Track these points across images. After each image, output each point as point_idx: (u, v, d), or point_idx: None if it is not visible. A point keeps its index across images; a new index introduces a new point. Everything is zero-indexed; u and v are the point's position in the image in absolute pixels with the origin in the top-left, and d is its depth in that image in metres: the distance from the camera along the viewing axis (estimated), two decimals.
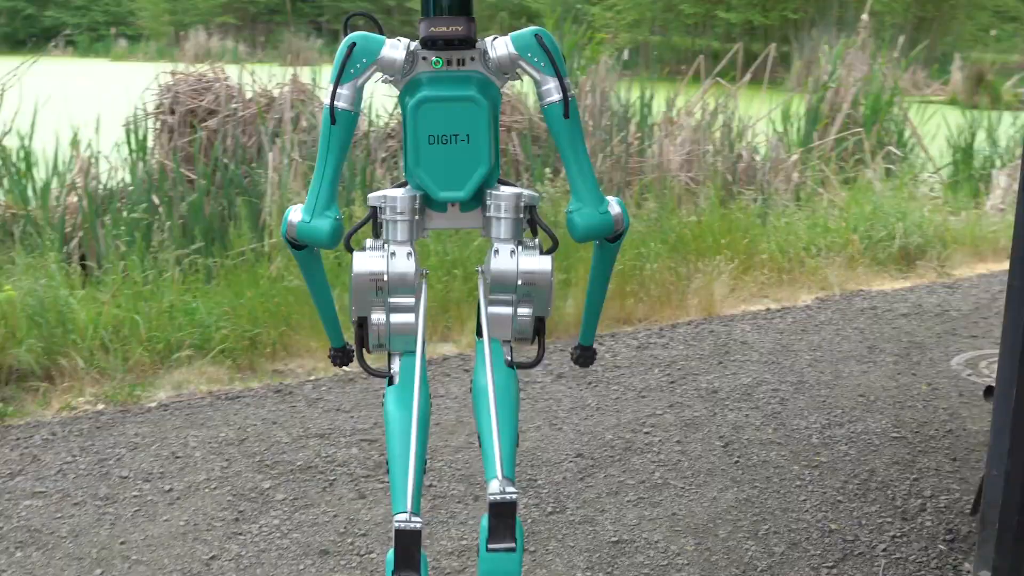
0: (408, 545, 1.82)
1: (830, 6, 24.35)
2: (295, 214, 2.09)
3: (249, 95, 6.63)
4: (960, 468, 3.73)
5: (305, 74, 7.06)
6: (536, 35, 2.05)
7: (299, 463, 3.70)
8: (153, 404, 4.23)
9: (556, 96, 2.06)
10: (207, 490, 3.49)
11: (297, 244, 2.12)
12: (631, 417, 4.20)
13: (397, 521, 1.83)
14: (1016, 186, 9.12)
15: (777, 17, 26.51)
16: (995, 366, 4.76)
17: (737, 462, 3.80)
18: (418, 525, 1.83)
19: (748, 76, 9.00)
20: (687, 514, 3.41)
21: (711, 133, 8.06)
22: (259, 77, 6.84)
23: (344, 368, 2.54)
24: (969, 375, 4.69)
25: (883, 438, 4.00)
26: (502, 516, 1.85)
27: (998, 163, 10.06)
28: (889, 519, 3.39)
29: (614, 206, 2.11)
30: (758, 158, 8.19)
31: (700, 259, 6.09)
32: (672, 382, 4.63)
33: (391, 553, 1.82)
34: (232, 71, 6.97)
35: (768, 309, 5.91)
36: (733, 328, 5.47)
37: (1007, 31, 27.32)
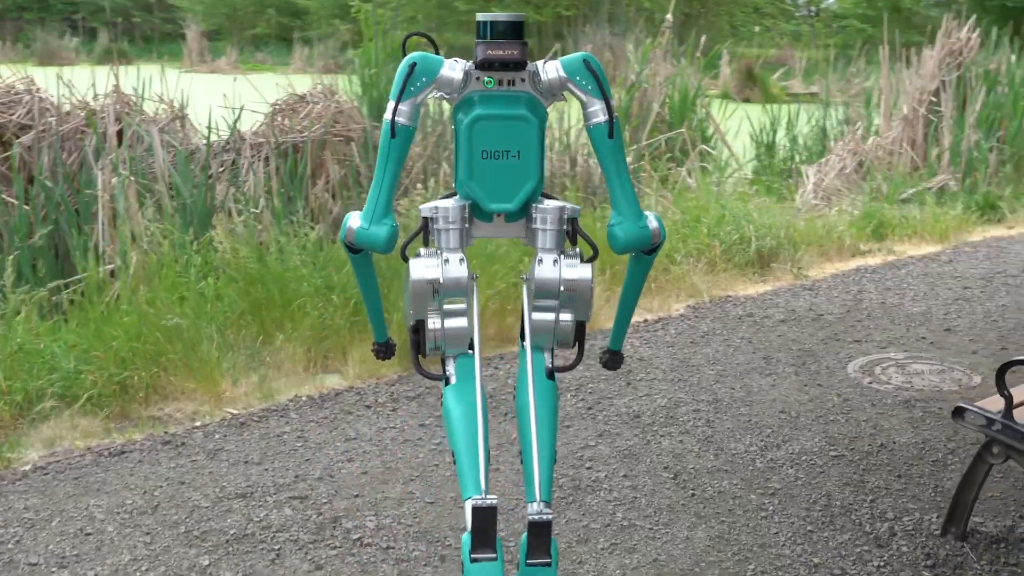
0: (485, 523, 1.99)
1: (602, 3, 25.05)
2: (354, 220, 2.27)
3: (67, 108, 5.84)
4: (908, 486, 3.75)
5: (127, 82, 6.28)
6: (584, 60, 2.25)
7: (232, 531, 3.24)
8: (28, 467, 3.61)
9: (602, 117, 2.24)
10: (139, 573, 2.95)
11: (354, 248, 2.31)
12: (566, 451, 3.98)
13: (474, 499, 1.99)
14: (825, 181, 9.63)
15: (550, 14, 26.97)
16: (891, 371, 4.90)
17: (693, 495, 3.66)
18: (494, 501, 1.99)
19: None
20: (668, 559, 3.23)
21: None
22: (76, 87, 6.04)
23: (384, 360, 2.71)
24: (870, 383, 4.77)
25: (823, 458, 3.97)
26: (540, 535, 2.04)
27: (797, 158, 10.57)
28: (866, 547, 3.34)
29: (652, 221, 2.29)
30: (583, 162, 8.05)
31: None
32: (590, 408, 4.44)
33: (467, 535, 1.99)
34: (40, 79, 6.12)
35: (646, 320, 5.85)
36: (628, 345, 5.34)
37: (766, 26, 29.20)
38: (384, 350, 2.64)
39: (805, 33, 30.49)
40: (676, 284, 6.41)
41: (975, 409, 3.27)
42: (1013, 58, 11.18)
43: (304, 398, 4.50)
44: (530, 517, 2.05)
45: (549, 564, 2.06)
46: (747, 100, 20.24)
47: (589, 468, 3.86)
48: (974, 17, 10.71)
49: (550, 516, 2.05)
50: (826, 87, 11.66)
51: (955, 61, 10.43)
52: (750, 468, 3.88)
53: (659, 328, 5.71)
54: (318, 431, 4.12)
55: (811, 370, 4.99)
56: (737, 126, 10.15)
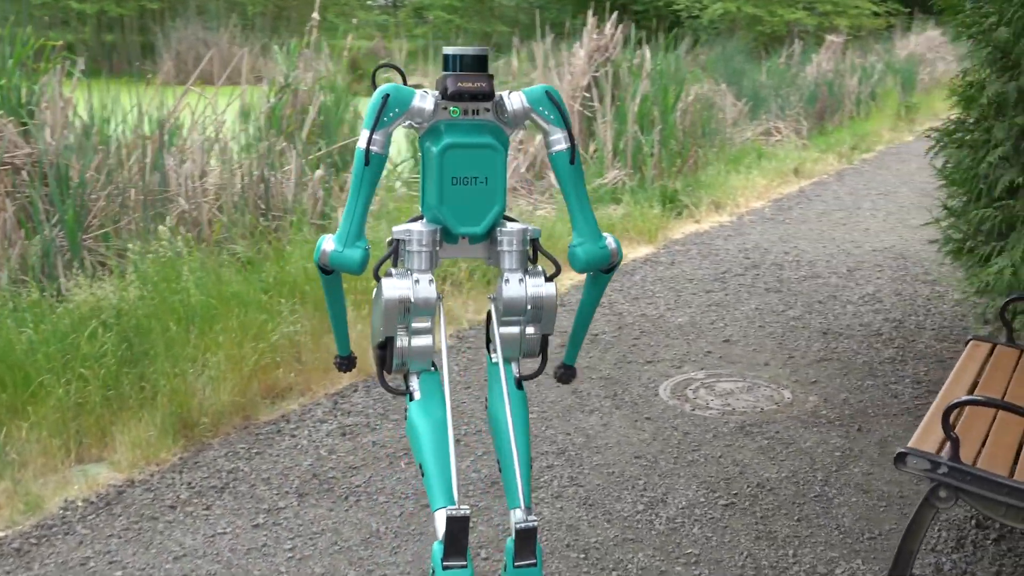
0: (457, 531, 2.15)
1: None
2: (328, 243, 2.46)
3: None
4: (812, 530, 3.59)
5: None
6: (547, 91, 2.50)
7: None
8: None
9: (564, 145, 2.50)
10: None
11: (326, 270, 2.50)
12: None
13: (448, 509, 2.16)
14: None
15: (135, 7, 24.82)
16: (702, 392, 4.75)
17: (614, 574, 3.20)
18: (467, 511, 2.16)
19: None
20: None
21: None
22: None
23: (346, 372, 2.92)
24: (693, 410, 4.60)
25: (715, 509, 3.70)
26: (526, 540, 2.25)
27: None
28: None
29: (611, 241, 2.56)
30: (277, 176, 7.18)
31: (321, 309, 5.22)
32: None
33: (438, 544, 2.16)
34: None
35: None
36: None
37: (366, 18, 28.96)
38: (346, 363, 2.88)
39: (392, 25, 30.75)
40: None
41: (919, 454, 3.10)
42: (649, 54, 11.81)
43: (81, 503, 3.48)
44: (517, 525, 2.26)
45: (535, 565, 2.27)
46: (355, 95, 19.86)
47: (486, 559, 3.26)
48: (615, 14, 11.12)
49: (535, 523, 2.28)
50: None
51: (603, 57, 10.75)
52: (654, 533, 3.51)
53: (453, 370, 5.13)
54: (130, 551, 3.17)
55: (627, 401, 4.71)
56: None
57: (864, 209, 9.21)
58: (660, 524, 3.57)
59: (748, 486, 3.87)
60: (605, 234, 2.55)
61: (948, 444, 3.07)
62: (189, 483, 3.75)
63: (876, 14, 27.77)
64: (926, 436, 3.23)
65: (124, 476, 3.75)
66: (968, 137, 4.86)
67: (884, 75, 18.02)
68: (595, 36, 10.70)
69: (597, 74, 10.53)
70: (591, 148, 10.13)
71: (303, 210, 6.86)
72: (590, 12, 10.90)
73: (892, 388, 4.81)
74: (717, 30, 26.17)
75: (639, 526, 3.55)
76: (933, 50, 23.60)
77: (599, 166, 9.77)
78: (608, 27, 10.80)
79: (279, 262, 5.52)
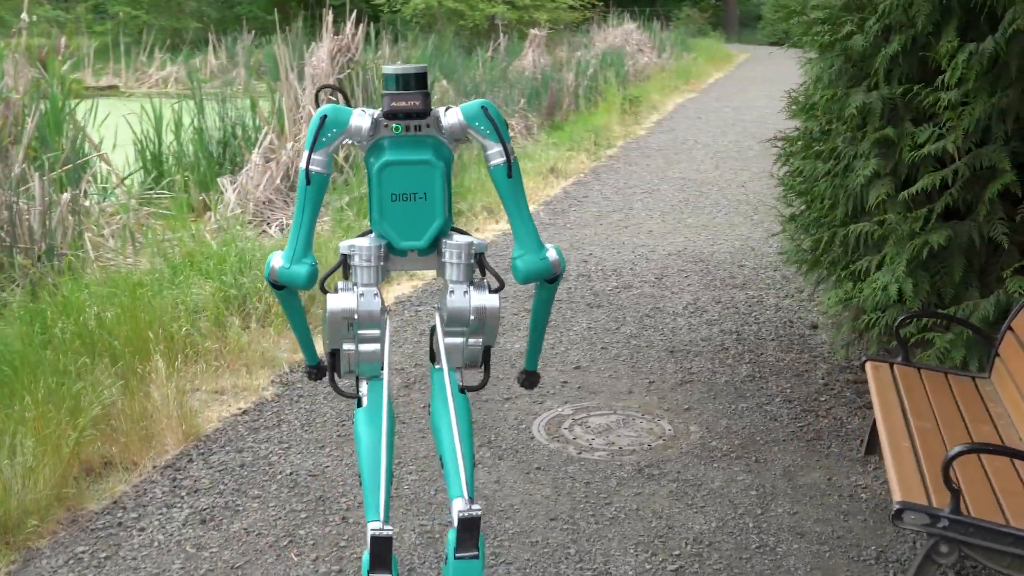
0: (382, 550, 2.25)
1: None
2: (276, 260, 2.63)
3: None
4: None
5: None
6: (483, 107, 2.58)
7: None
8: None
9: (500, 159, 2.58)
10: None
11: (278, 285, 2.66)
12: None
13: (372, 529, 2.26)
14: (258, 193, 8.77)
15: None
16: (578, 431, 4.46)
17: None
18: (390, 532, 2.28)
19: None
20: None
21: None
22: None
23: (317, 380, 3.05)
24: (580, 453, 4.31)
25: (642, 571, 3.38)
26: (469, 529, 2.27)
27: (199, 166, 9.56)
28: None
29: (552, 252, 2.66)
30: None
31: (127, 364, 4.50)
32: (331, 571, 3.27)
33: (366, 555, 2.25)
34: None
35: (242, 411, 4.63)
36: (256, 451, 4.14)
37: (40, 13, 26.24)
38: (316, 372, 3.02)
39: (69, 21, 28.26)
40: (241, 354, 5.18)
41: (916, 508, 2.96)
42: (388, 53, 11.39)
43: None
44: (459, 513, 2.28)
45: (476, 557, 2.29)
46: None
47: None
48: (355, 12, 10.61)
49: (479, 511, 2.31)
50: (189, 82, 10.69)
51: (346, 57, 10.21)
52: None
53: (256, 417, 4.54)
54: None
55: (505, 448, 4.34)
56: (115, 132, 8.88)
57: (637, 209, 9.27)
58: None
59: (686, 543, 3.60)
60: (547, 245, 2.67)
61: (949, 496, 2.95)
62: None
63: (573, 8, 28.71)
64: (907, 485, 3.09)
65: None
66: (821, 148, 4.84)
67: (598, 69, 18.57)
68: (336, 36, 10.11)
69: (342, 76, 9.96)
70: (339, 156, 9.55)
71: (52, 245, 5.92)
72: (325, 9, 10.30)
73: (767, 410, 4.71)
74: (418, 25, 26.12)
75: None
76: (632, 43, 24.68)
77: (358, 176, 9.23)
78: (348, 26, 10.23)
79: (67, 311, 4.65)
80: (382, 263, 2.62)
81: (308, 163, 2.54)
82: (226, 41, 23.95)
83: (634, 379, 5.11)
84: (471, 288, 2.64)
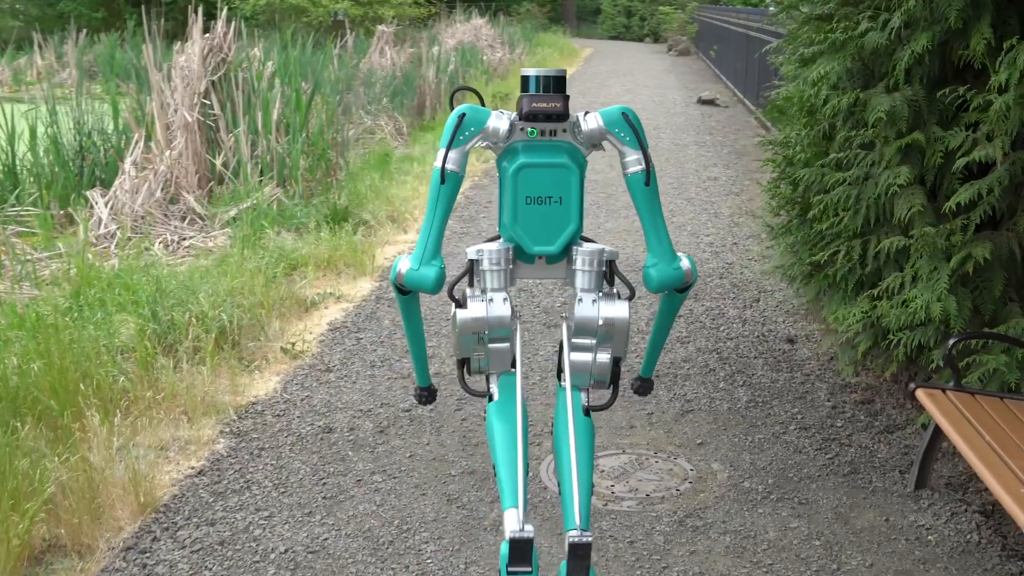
0: (522, 550, 2.17)
1: None
2: (403, 263, 2.58)
3: None
4: None
5: None
6: (623, 113, 2.58)
7: None
8: None
9: (639, 167, 2.57)
10: None
11: (404, 289, 2.62)
12: None
13: (512, 532, 2.18)
14: (136, 208, 7.90)
15: None
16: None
17: None
18: (530, 534, 2.17)
19: None
20: None
21: None
22: None
23: (426, 405, 3.00)
24: (605, 504, 3.84)
25: None
26: (579, 557, 2.18)
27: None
28: None
29: (685, 262, 2.62)
30: None
31: (63, 425, 3.80)
32: None
33: (505, 544, 2.18)
34: None
35: (196, 471, 4.05)
36: (232, 523, 3.54)
37: None
38: (427, 395, 2.97)
39: None
40: (177, 400, 4.50)
41: None
42: (261, 53, 10.60)
43: None
44: (570, 539, 2.18)
45: None
46: None
47: None
48: (226, 10, 9.82)
49: (590, 538, 2.19)
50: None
51: (218, 58, 9.42)
52: None
53: (213, 473, 3.89)
54: None
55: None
56: None
57: None
58: None
59: None
60: (680, 254, 2.64)
61: None
62: None
63: (417, 4, 28.15)
64: None
65: None
66: (836, 155, 4.51)
67: (459, 65, 18.11)
68: (206, 36, 9.29)
69: (215, 78, 9.16)
70: (218, 162, 8.77)
71: None
72: (191, 9, 9.45)
73: (786, 441, 4.36)
74: (258, 21, 25.09)
75: None
76: (482, 39, 24.33)
77: (247, 185, 8.47)
78: (220, 25, 9.42)
79: None
80: (511, 267, 2.60)
81: (444, 161, 2.51)
82: (53, 41, 22.32)
83: (630, 411, 4.68)
84: (600, 297, 2.58)
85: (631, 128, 2.56)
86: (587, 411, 2.60)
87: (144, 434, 4.27)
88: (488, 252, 2.55)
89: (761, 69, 14.35)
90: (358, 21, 25.55)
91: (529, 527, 2.20)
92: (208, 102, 8.99)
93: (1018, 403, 3.75)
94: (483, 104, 2.69)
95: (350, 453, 4.25)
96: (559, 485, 2.45)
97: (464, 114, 2.51)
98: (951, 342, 3.78)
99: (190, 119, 8.66)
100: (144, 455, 4.09)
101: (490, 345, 2.56)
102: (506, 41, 25.01)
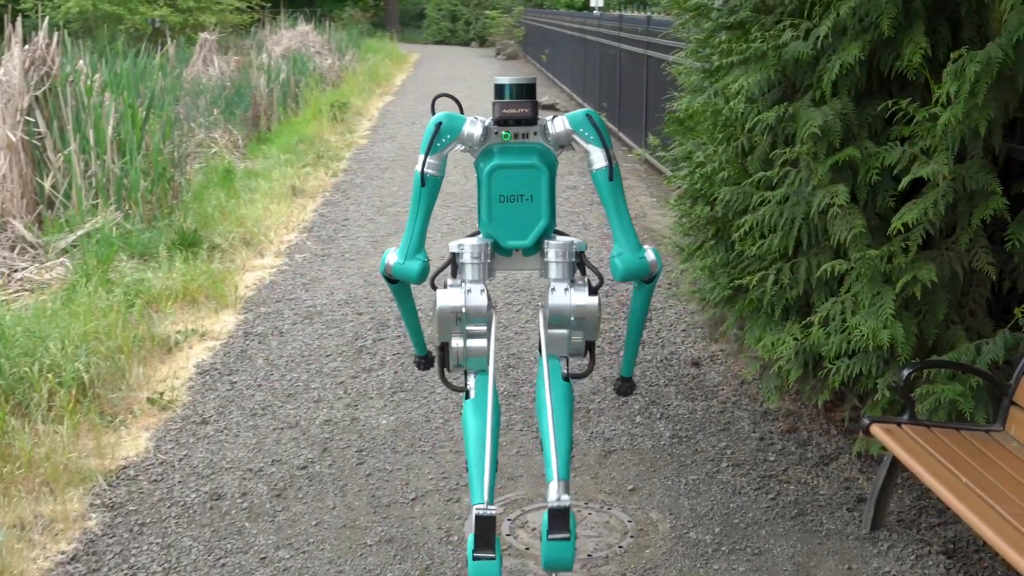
0: (486, 529, 2.46)
1: None
2: (391, 256, 2.99)
3: None
4: None
5: None
6: (587, 115, 2.89)
7: None
8: None
9: (603, 163, 2.86)
10: None
11: (392, 279, 3.03)
12: None
13: (477, 509, 2.48)
14: None
15: None
16: (523, 534, 3.60)
17: None
18: (494, 512, 2.51)
19: None
20: None
21: None
22: None
23: (425, 371, 3.55)
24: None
25: None
26: (559, 517, 2.53)
27: None
28: None
29: (650, 252, 2.94)
30: None
31: None
32: None
33: (471, 537, 2.46)
34: None
35: (69, 556, 3.46)
36: None
37: None
38: (424, 362, 3.45)
39: None
40: (35, 470, 3.85)
41: None
42: (86, 66, 9.70)
43: None
44: (550, 504, 2.53)
45: (568, 538, 2.52)
46: None
47: None
48: (47, 20, 8.94)
49: (568, 503, 2.54)
50: None
51: (42, 71, 8.53)
52: None
53: (121, 567, 3.34)
54: None
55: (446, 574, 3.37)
56: None
57: None
58: None
59: None
60: (645, 246, 2.89)
61: None
62: None
63: (240, 10, 27.05)
64: None
65: None
66: (761, 174, 4.22)
67: (290, 73, 17.35)
68: (26, 48, 8.39)
69: (39, 93, 8.28)
70: (47, 184, 7.91)
71: None
72: (9, 19, 8.54)
73: (722, 481, 4.05)
74: (71, 30, 23.57)
75: None
76: (309, 45, 23.52)
77: (82, 209, 7.65)
78: (41, 35, 8.52)
79: None
80: (488, 261, 2.87)
81: (424, 166, 2.80)
82: None
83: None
84: (572, 287, 2.85)
85: (594, 128, 2.84)
86: (566, 377, 2.87)
87: (0, 513, 3.60)
88: (468, 246, 2.85)
89: (605, 73, 14.22)
90: (178, 29, 24.32)
91: (493, 507, 2.50)
92: (32, 119, 8.10)
93: (975, 434, 3.54)
94: (461, 110, 2.98)
95: (247, 524, 3.69)
96: (541, 443, 2.70)
97: (441, 122, 2.80)
98: (905, 373, 3.54)
99: (13, 138, 7.78)
100: (3, 540, 3.42)
101: (469, 343, 2.81)
102: (334, 47, 24.24)
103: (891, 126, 3.90)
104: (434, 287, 2.88)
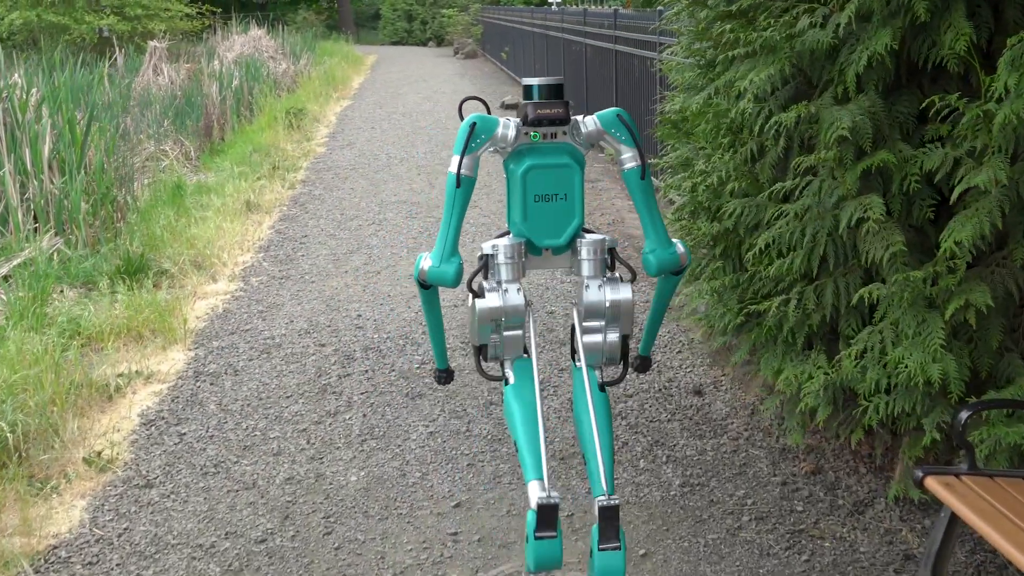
0: (549, 515, 2.44)
1: None
2: (425, 261, 2.95)
3: None
4: None
5: None
6: (618, 114, 2.92)
7: None
8: None
9: (635, 163, 2.91)
10: None
11: (425, 285, 2.99)
12: None
13: (539, 498, 2.43)
14: None
15: None
16: None
17: None
18: (557, 500, 2.47)
19: None
20: None
21: None
22: None
23: (444, 385, 3.43)
24: None
25: None
26: (609, 519, 2.44)
27: None
28: None
29: (680, 247, 3.03)
30: None
31: None
32: None
33: (531, 513, 2.44)
34: None
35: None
36: None
37: None
38: (445, 375, 3.41)
39: None
40: None
41: None
42: (22, 79, 9.02)
43: None
44: (599, 503, 2.45)
45: (619, 548, 2.43)
46: None
47: None
48: None
49: (617, 501, 2.46)
50: None
51: None
52: None
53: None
54: None
55: None
56: None
57: (376, 247, 7.75)
58: None
59: None
60: (675, 240, 3.03)
61: None
62: None
63: (189, 16, 26.21)
64: None
65: None
66: (781, 185, 3.67)
67: (243, 79, 16.64)
68: None
69: None
70: None
71: None
72: None
73: (747, 540, 3.50)
74: (15, 42, 22.70)
75: None
76: (262, 50, 22.76)
77: (18, 235, 6.98)
78: None
79: None
80: (522, 260, 2.88)
81: (459, 167, 2.83)
82: None
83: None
84: (605, 282, 2.89)
85: (626, 128, 2.88)
86: (602, 387, 2.87)
87: None
88: (502, 247, 2.85)
89: (569, 69, 13.69)
90: (126, 37, 23.49)
91: (555, 494, 2.44)
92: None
93: None
94: (488, 111, 3.00)
95: None
96: (584, 456, 2.67)
97: (475, 123, 2.80)
98: (964, 416, 2.98)
99: None
100: None
101: (505, 333, 2.84)
102: (288, 52, 23.48)
103: (923, 125, 3.37)
104: (471, 290, 2.86)
